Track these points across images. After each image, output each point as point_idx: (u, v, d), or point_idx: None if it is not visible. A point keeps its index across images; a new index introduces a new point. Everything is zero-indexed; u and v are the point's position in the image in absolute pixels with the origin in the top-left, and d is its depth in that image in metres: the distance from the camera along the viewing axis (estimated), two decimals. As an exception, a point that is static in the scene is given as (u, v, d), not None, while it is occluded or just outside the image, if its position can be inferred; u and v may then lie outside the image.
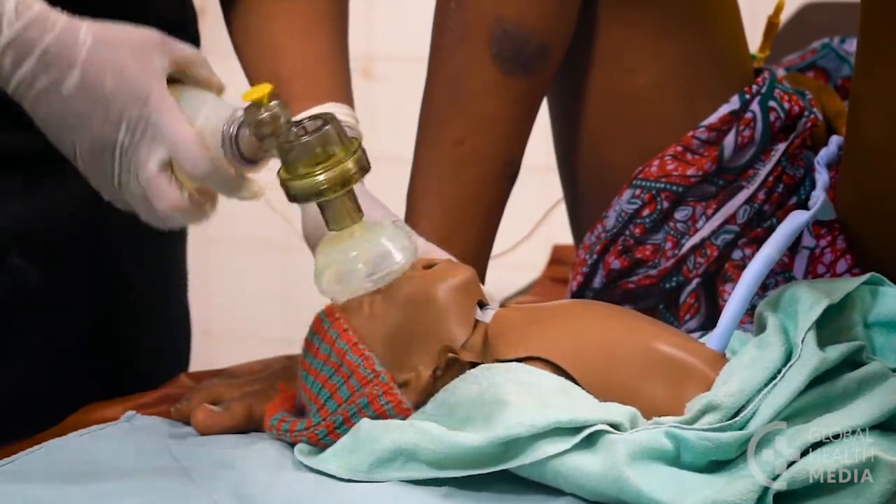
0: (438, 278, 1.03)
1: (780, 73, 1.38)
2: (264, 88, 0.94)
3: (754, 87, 1.25)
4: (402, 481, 0.93)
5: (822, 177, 1.15)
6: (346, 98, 1.21)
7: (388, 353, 1.00)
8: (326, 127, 0.94)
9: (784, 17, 1.94)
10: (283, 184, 0.95)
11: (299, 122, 0.95)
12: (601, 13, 1.23)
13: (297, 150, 0.94)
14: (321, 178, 0.93)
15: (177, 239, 1.43)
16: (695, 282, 1.24)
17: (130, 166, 0.97)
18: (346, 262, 0.95)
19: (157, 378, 1.30)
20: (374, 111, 1.20)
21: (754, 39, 1.34)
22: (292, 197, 0.96)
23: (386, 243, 0.95)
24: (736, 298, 1.00)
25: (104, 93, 0.95)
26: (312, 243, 1.13)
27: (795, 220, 1.05)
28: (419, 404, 0.98)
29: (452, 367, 0.99)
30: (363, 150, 0.96)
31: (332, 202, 0.95)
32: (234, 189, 0.98)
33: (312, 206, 1.08)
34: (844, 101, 1.36)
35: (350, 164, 0.94)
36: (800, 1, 2.05)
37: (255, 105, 0.94)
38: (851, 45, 1.42)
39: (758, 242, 1.19)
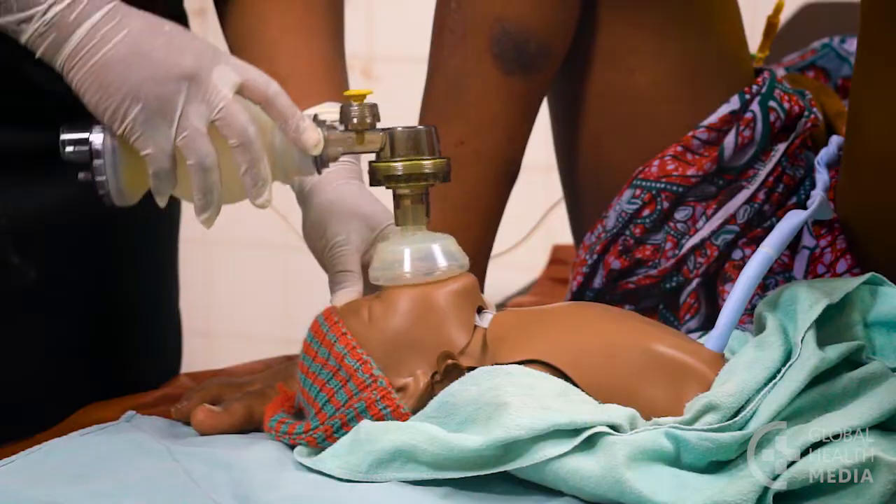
0: (437, 284, 1.02)
1: (780, 72, 1.38)
2: (365, 91, 1.04)
3: (754, 88, 1.25)
4: (402, 482, 0.93)
5: (822, 177, 1.15)
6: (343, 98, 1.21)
7: (386, 358, 1.00)
8: (420, 128, 1.04)
9: (784, 17, 1.94)
10: (369, 165, 1.05)
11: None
12: (602, 13, 1.23)
13: (388, 135, 1.04)
14: (398, 166, 1.03)
15: (170, 242, 1.43)
16: (695, 282, 1.24)
17: (198, 102, 0.97)
18: (395, 254, 1.02)
19: (153, 378, 1.30)
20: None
21: (754, 39, 1.34)
22: (372, 178, 1.04)
23: (435, 247, 1.03)
24: (734, 299, 1.00)
25: (159, 51, 0.98)
26: (311, 245, 1.13)
27: (793, 219, 1.05)
28: (417, 409, 0.98)
29: (451, 372, 0.99)
30: (448, 163, 1.04)
31: (403, 197, 1.04)
32: (298, 120, 1.01)
33: (314, 210, 1.09)
34: (844, 101, 1.36)
35: (428, 164, 1.03)
36: (800, 1, 2.06)
37: (356, 103, 1.04)
38: (851, 45, 1.42)
39: (758, 242, 1.18)
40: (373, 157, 1.06)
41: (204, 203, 1.01)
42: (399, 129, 1.04)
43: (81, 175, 1.02)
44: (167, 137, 0.98)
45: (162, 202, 1.02)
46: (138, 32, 0.98)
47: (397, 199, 1.05)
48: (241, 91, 1.00)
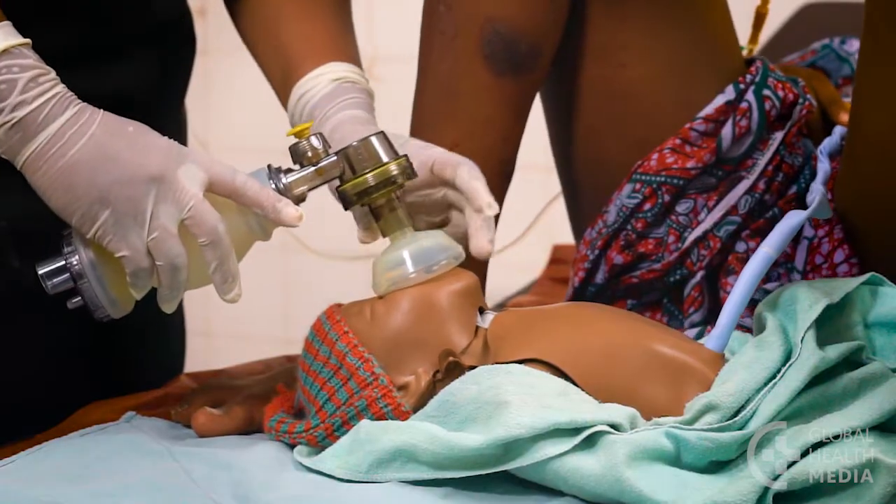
0: (440, 284, 1.03)
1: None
2: (307, 125, 1.05)
3: (748, 77, 1.25)
4: (402, 482, 0.93)
5: (823, 166, 1.15)
6: (350, 58, 1.21)
7: (388, 356, 1.00)
8: (369, 137, 1.04)
9: (784, 16, 1.94)
10: (337, 191, 1.05)
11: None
12: (593, 9, 1.23)
13: (343, 156, 1.04)
14: (369, 177, 1.03)
15: None
16: (699, 275, 1.24)
17: (167, 203, 0.98)
18: (393, 260, 1.03)
19: (155, 379, 1.30)
20: (375, 111, 1.20)
21: (746, 32, 1.34)
22: (343, 200, 1.05)
23: (428, 244, 1.04)
24: (734, 299, 1.00)
25: (125, 153, 0.98)
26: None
27: (793, 219, 1.05)
28: (418, 408, 0.98)
29: (453, 371, 0.99)
30: (408, 161, 1.05)
31: (381, 208, 1.04)
32: (273, 201, 1.02)
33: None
34: (844, 89, 1.36)
35: (393, 167, 1.03)
36: (800, 1, 2.06)
37: (303, 138, 1.04)
38: (851, 46, 1.42)
39: (761, 234, 1.19)
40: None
41: (169, 296, 1.02)
42: (351, 146, 1.04)
43: (71, 303, 1.02)
44: (140, 237, 0.98)
45: (139, 296, 1.02)
46: (102, 134, 0.98)
47: (376, 212, 1.05)
48: (209, 187, 1.00)
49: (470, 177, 1.06)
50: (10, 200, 1.20)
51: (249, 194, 1.01)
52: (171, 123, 1.40)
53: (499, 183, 1.24)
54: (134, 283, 1.01)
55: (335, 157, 1.04)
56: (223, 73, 2.66)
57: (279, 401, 1.07)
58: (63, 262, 1.01)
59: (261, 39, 1.24)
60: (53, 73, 0.99)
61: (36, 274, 1.01)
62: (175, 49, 1.34)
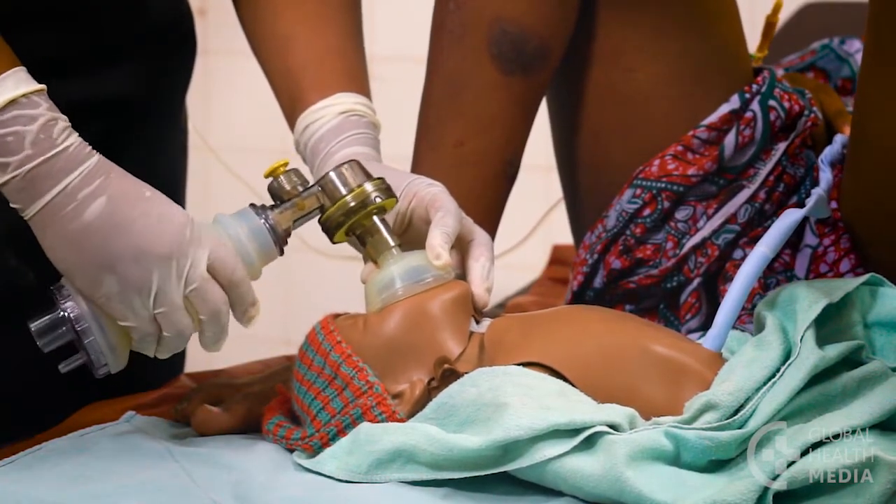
0: (432, 294, 1.02)
1: (780, 73, 1.38)
2: (283, 162, 1.05)
3: (754, 87, 1.25)
4: (401, 483, 0.93)
5: (825, 175, 1.15)
6: (359, 87, 1.20)
7: (382, 365, 1.00)
8: (342, 165, 1.04)
9: (784, 17, 1.94)
10: (320, 223, 1.05)
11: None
12: (601, 13, 1.23)
13: (320, 188, 1.04)
14: (348, 198, 1.03)
15: None
16: (696, 281, 1.24)
17: (174, 279, 0.97)
18: (383, 279, 1.03)
19: (156, 378, 1.30)
20: (380, 143, 1.20)
21: (754, 39, 1.34)
22: (328, 230, 1.05)
23: (416, 261, 1.03)
24: (731, 298, 1.00)
25: (138, 223, 0.97)
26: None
27: (789, 218, 1.05)
28: (413, 416, 0.98)
29: (448, 378, 0.99)
30: (385, 182, 1.04)
31: (365, 233, 1.04)
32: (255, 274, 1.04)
33: None
34: (844, 99, 1.36)
35: (369, 187, 1.03)
36: (800, 1, 2.05)
37: (280, 175, 1.04)
38: (851, 46, 1.42)
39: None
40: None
41: (169, 356, 1.03)
42: (326, 176, 1.04)
43: (65, 366, 1.01)
44: (146, 307, 0.98)
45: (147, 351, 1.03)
46: (117, 199, 0.96)
47: (361, 238, 1.05)
48: (209, 269, 0.99)
49: (436, 223, 1.04)
50: (5, 199, 1.20)
51: (238, 292, 1.01)
52: (172, 124, 1.40)
53: (502, 184, 1.24)
54: (140, 348, 1.01)
55: (314, 189, 1.04)
56: (223, 73, 2.66)
57: (278, 402, 1.07)
58: (60, 314, 0.98)
59: (270, 55, 1.23)
60: (65, 123, 0.96)
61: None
62: (174, 50, 1.34)
